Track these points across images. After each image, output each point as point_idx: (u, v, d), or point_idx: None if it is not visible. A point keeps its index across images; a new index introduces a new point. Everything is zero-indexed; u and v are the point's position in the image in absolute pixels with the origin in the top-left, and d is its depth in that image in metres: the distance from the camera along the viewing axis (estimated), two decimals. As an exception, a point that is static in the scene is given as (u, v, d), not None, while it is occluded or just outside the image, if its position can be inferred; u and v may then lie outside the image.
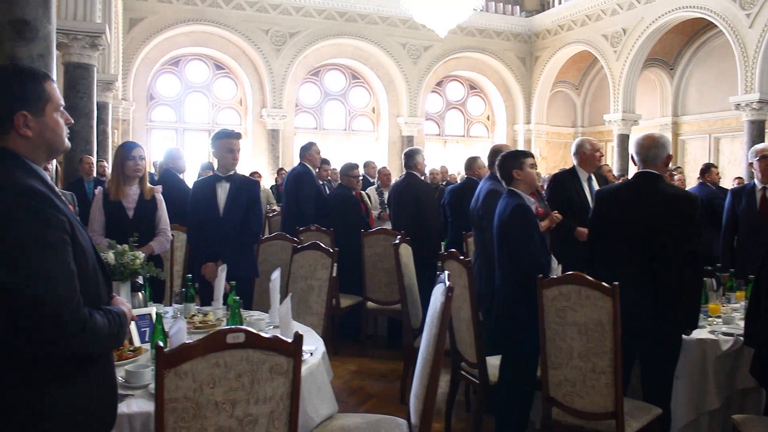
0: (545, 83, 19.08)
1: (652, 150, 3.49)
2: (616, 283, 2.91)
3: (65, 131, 1.82)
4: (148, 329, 3.03)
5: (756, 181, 5.13)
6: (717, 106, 16.18)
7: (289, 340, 1.81)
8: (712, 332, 3.62)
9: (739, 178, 11.82)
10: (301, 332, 3.37)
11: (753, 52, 12.97)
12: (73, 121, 1.86)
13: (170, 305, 4.01)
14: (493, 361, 3.87)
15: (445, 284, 2.68)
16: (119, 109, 14.54)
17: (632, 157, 3.62)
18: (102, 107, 11.44)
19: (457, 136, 20.15)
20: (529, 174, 3.74)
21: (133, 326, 2.99)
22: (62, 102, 1.82)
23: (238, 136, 4.43)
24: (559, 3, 17.92)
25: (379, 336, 6.64)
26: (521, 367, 3.60)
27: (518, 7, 18.98)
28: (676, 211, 3.33)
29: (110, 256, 3.03)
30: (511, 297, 3.64)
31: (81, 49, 8.41)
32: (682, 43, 16.97)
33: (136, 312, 3.06)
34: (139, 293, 3.28)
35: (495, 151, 4.77)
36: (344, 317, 6.11)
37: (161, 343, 1.74)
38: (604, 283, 2.94)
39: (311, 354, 2.92)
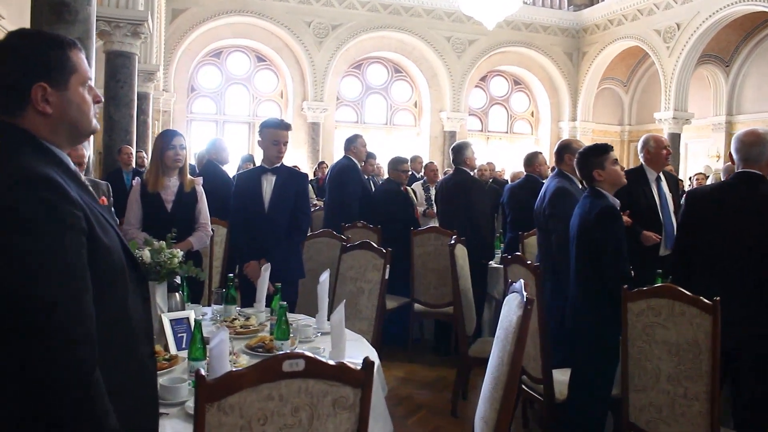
0: (592, 80, 18.50)
1: (755, 147, 3.10)
2: (717, 298, 2.54)
3: (93, 110, 1.52)
4: (185, 335, 2.74)
5: None
6: (776, 106, 15.49)
7: (358, 367, 1.49)
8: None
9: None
10: (353, 339, 3.09)
11: (819, 48, 12.30)
12: (102, 99, 1.57)
13: (209, 305, 3.73)
14: (559, 377, 3.52)
15: (523, 296, 2.34)
16: (160, 100, 14.45)
17: (731, 155, 3.23)
18: (143, 97, 11.33)
19: (500, 132, 19.70)
20: (613, 171, 3.37)
21: (169, 331, 2.72)
22: (90, 75, 1.52)
23: (286, 127, 4.11)
24: (610, -3, 17.34)
25: (425, 340, 6.31)
26: (595, 384, 3.24)
27: (566, 1, 18.42)
28: None
29: (146, 254, 2.76)
30: (590, 307, 3.28)
31: (123, 38, 8.25)
32: (739, 38, 16.26)
33: (173, 316, 2.79)
34: (177, 294, 3.00)
35: (564, 146, 4.39)
36: (389, 319, 5.78)
37: (202, 370, 1.43)
38: (703, 298, 2.57)
39: (365, 368, 2.61)
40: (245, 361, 2.57)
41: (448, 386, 4.90)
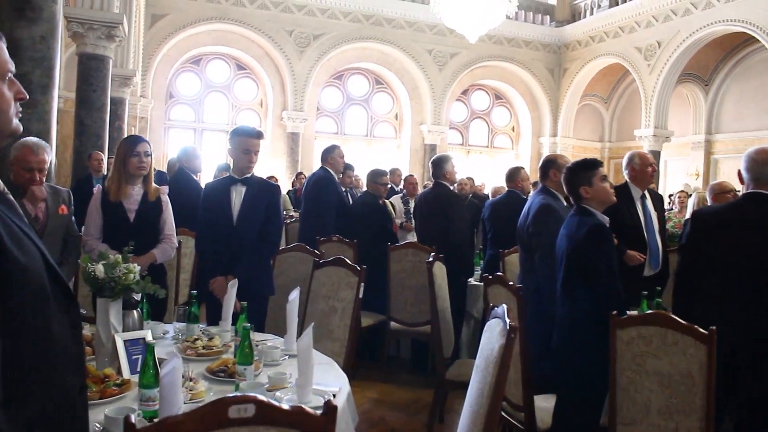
0: (573, 95, 18.52)
1: None
2: (713, 328, 2.37)
3: (13, 108, 1.31)
4: (140, 357, 2.53)
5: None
6: (754, 125, 15.56)
7: (318, 413, 1.30)
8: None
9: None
10: (323, 363, 2.89)
11: (798, 69, 12.35)
12: (27, 96, 1.35)
13: (173, 322, 3.50)
14: (540, 403, 3.35)
15: (506, 322, 2.17)
16: (137, 106, 14.18)
17: (740, 174, 3.06)
18: (118, 103, 11.08)
19: (481, 146, 19.63)
20: (601, 189, 3.20)
21: (122, 353, 2.50)
22: (11, 67, 1.32)
23: (258, 135, 3.85)
24: (591, 14, 17.38)
25: (401, 358, 6.11)
26: (582, 411, 3.06)
27: (549, 16, 18.45)
28: None
29: (99, 269, 2.54)
30: (578, 330, 3.10)
31: (96, 40, 8.00)
32: (718, 58, 16.36)
33: (128, 336, 2.57)
34: (134, 312, 2.78)
35: (549, 161, 4.22)
36: (364, 337, 5.58)
37: (134, 417, 1.23)
38: (698, 327, 2.40)
39: (334, 396, 2.42)
40: (204, 387, 2.37)
41: (424, 408, 4.71)
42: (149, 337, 2.50)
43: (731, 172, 15.75)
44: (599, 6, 17.09)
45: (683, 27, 14.67)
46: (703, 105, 17.09)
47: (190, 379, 2.35)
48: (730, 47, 15.89)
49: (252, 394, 1.23)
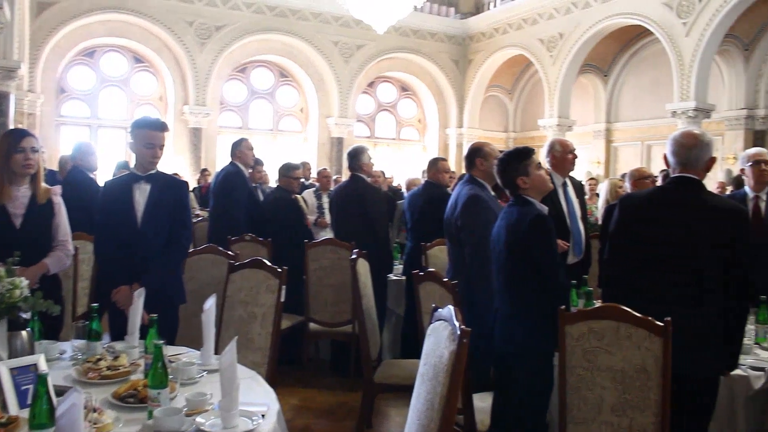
0: (478, 87, 18.70)
1: (695, 150, 2.82)
2: (668, 319, 2.24)
3: None
4: (31, 387, 2.16)
5: (747, 189, 4.58)
6: (650, 114, 16.13)
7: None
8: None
9: (721, 182, 11.82)
10: (246, 377, 2.60)
11: (689, 60, 12.82)
12: None
13: (70, 340, 3.11)
14: (478, 403, 3.18)
15: (455, 326, 1.96)
16: (24, 101, 13.20)
17: (665, 158, 2.95)
18: (2, 97, 10.21)
19: (388, 138, 19.58)
20: (538, 177, 3.05)
21: (8, 384, 2.13)
22: None
23: (162, 127, 3.48)
24: (495, 6, 17.56)
25: (320, 361, 5.84)
26: (525, 410, 2.90)
27: (453, 8, 18.52)
28: (725, 227, 2.67)
29: (-23, 285, 2.16)
30: (523, 323, 2.93)
31: (-28, 28, 7.30)
32: (616, 49, 16.90)
33: (15, 363, 2.20)
34: (23, 332, 2.39)
35: (475, 150, 4.02)
36: (282, 340, 5.28)
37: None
38: (653, 320, 2.27)
39: (262, 417, 2.15)
40: (111, 417, 2.04)
41: (350, 413, 4.50)
42: (42, 364, 2.14)
43: (629, 159, 16.36)
44: (502, -2, 17.31)
45: (583, 19, 15.03)
46: (603, 95, 17.63)
47: (94, 410, 2.01)
48: (627, 39, 16.44)
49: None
